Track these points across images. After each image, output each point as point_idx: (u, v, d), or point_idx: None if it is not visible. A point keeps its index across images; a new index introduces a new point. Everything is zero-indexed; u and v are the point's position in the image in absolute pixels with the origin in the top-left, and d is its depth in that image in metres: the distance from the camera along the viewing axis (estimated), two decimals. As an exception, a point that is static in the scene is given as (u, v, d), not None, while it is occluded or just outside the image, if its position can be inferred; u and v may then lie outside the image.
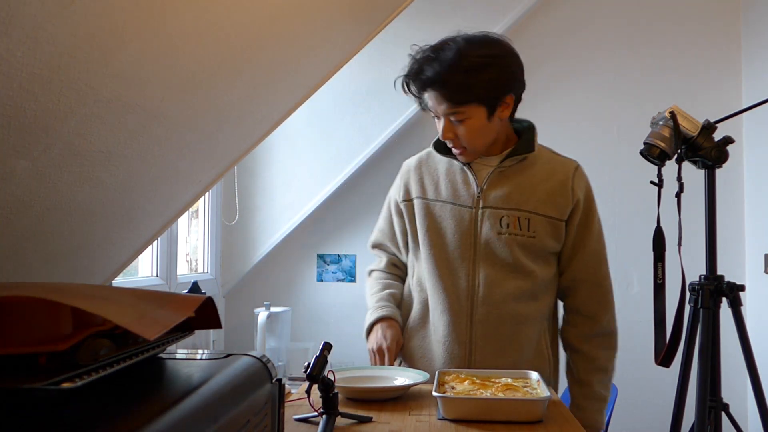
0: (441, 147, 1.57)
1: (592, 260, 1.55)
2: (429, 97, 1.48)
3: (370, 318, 1.61)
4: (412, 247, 1.62)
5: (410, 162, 1.65)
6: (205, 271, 3.03)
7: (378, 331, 1.57)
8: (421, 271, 1.59)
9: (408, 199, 1.61)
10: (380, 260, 1.73)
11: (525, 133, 1.57)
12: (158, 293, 0.74)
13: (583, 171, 1.60)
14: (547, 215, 1.50)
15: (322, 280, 3.16)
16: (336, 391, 1.08)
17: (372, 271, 1.74)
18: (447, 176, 1.57)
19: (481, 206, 1.52)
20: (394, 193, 1.66)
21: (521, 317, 1.52)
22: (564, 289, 1.59)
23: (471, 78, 1.42)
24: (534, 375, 1.32)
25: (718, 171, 1.71)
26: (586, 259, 1.55)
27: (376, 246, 1.74)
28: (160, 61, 0.94)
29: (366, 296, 1.72)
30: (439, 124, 1.50)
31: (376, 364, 1.55)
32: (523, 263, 1.50)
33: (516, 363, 1.51)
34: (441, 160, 1.60)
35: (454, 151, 1.53)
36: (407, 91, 1.51)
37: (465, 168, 1.55)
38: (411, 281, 1.64)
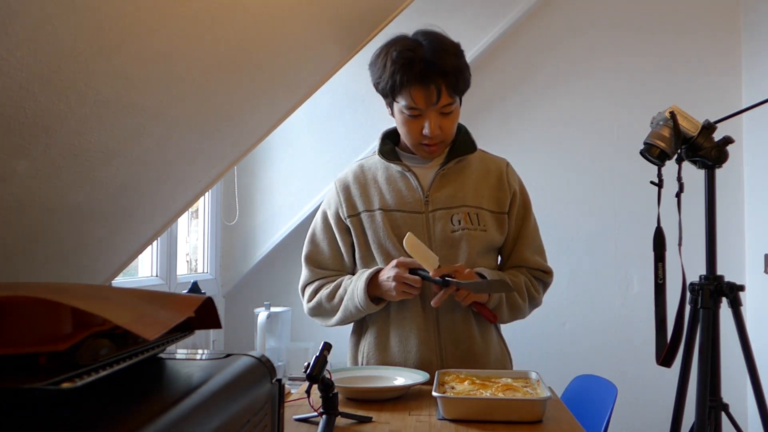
0: (387, 153, 1.58)
1: (532, 249, 1.62)
2: (425, 93, 1.44)
3: (362, 281, 1.48)
4: (360, 263, 1.58)
5: (345, 178, 1.61)
6: (205, 271, 3.03)
7: (384, 272, 1.47)
8: None
9: (354, 214, 1.57)
10: (316, 275, 1.63)
11: (459, 135, 1.60)
12: (158, 293, 0.74)
13: (513, 168, 1.66)
14: (491, 210, 1.56)
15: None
16: (336, 391, 1.08)
17: (310, 283, 1.62)
18: (389, 185, 1.56)
19: (430, 209, 1.53)
20: (335, 210, 1.60)
21: (482, 316, 1.54)
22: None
23: (468, 71, 1.51)
24: (534, 375, 1.33)
25: (718, 171, 1.71)
26: (526, 249, 1.61)
27: (313, 263, 1.63)
28: (160, 61, 0.94)
29: (326, 304, 1.57)
30: (422, 122, 1.48)
31: (408, 289, 1.44)
32: (472, 257, 1.53)
33: (485, 364, 1.54)
34: (377, 170, 1.60)
35: (426, 149, 1.53)
36: (397, 86, 1.45)
37: (407, 173, 1.55)
38: None
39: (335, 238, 1.61)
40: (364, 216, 1.56)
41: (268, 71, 1.29)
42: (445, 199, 1.54)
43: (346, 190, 1.60)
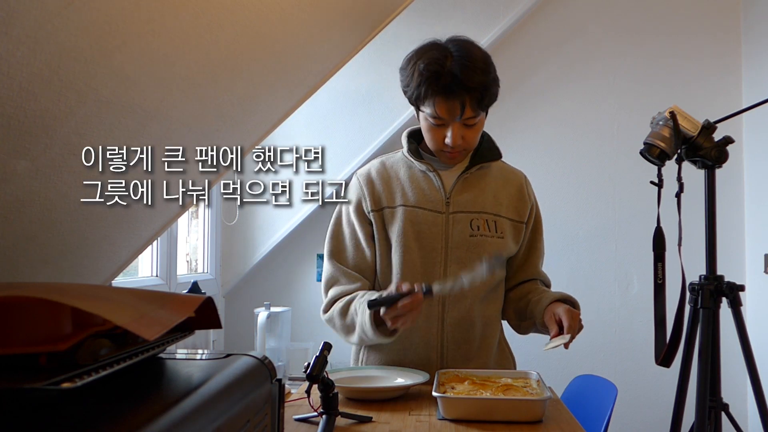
0: (412, 152, 1.58)
1: (541, 262, 1.66)
2: (449, 107, 1.43)
3: (367, 323, 1.40)
4: (379, 260, 1.57)
5: (367, 173, 1.61)
6: (205, 271, 3.03)
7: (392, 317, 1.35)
8: (386, 278, 1.55)
9: (377, 209, 1.56)
10: (339, 271, 1.58)
11: (484, 142, 1.62)
12: (158, 293, 0.74)
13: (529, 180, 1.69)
14: (510, 218, 1.58)
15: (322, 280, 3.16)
16: (336, 391, 1.08)
17: (333, 285, 1.57)
18: (411, 182, 1.57)
19: (450, 211, 1.54)
20: (357, 204, 1.57)
21: (486, 319, 1.55)
22: (515, 293, 1.63)
23: (495, 85, 1.48)
24: (534, 375, 1.33)
25: (718, 171, 1.71)
26: (539, 262, 1.65)
27: (336, 258, 1.59)
28: (160, 61, 0.94)
29: (338, 321, 1.51)
30: (445, 131, 1.47)
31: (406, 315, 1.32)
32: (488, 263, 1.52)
33: (485, 364, 1.54)
34: (400, 168, 1.59)
35: (447, 155, 1.52)
36: (423, 97, 1.45)
37: (431, 174, 1.56)
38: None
39: (356, 231, 1.58)
40: (386, 212, 1.56)
41: (268, 71, 1.29)
42: (466, 202, 1.54)
43: (369, 184, 1.58)
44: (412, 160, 1.57)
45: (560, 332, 1.37)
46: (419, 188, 1.56)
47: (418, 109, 1.53)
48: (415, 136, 1.64)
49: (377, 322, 1.39)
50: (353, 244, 1.59)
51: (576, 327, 1.39)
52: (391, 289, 1.35)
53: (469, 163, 1.59)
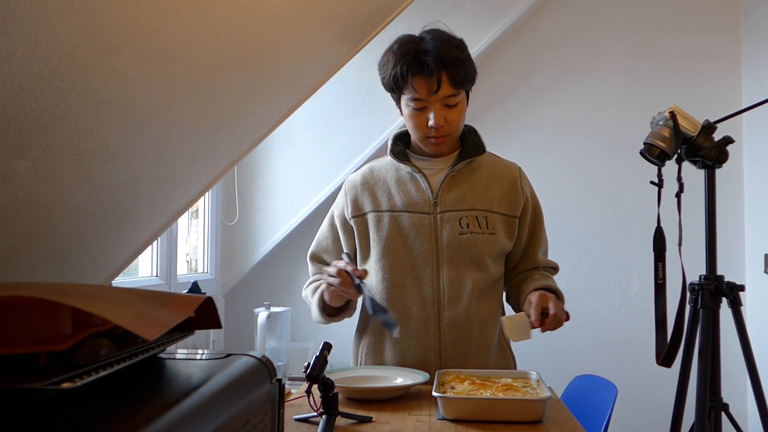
0: (397, 154, 1.59)
1: (543, 254, 1.65)
2: (426, 83, 1.46)
3: (316, 294, 1.54)
4: (360, 264, 1.60)
5: (354, 179, 1.64)
6: (205, 271, 3.03)
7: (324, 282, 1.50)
8: (373, 284, 1.56)
9: (359, 215, 1.59)
10: (318, 270, 1.68)
11: (469, 137, 1.62)
12: (158, 293, 0.74)
13: (525, 173, 1.67)
14: (502, 213, 1.57)
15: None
16: (336, 391, 1.08)
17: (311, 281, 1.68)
18: (398, 186, 1.58)
19: (438, 211, 1.54)
20: (341, 211, 1.63)
21: (485, 318, 1.55)
22: (514, 282, 1.64)
23: (471, 65, 1.51)
24: (534, 375, 1.33)
25: (718, 171, 1.71)
26: (538, 252, 1.63)
27: (316, 260, 1.69)
28: (160, 61, 0.94)
29: (310, 299, 1.62)
30: (427, 114, 1.49)
31: (337, 287, 1.42)
32: (481, 259, 1.53)
33: (485, 364, 1.54)
34: (388, 172, 1.61)
35: (433, 141, 1.53)
36: (400, 78, 1.48)
37: (417, 175, 1.56)
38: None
39: (339, 238, 1.64)
40: (370, 216, 1.58)
41: (268, 71, 1.29)
42: (454, 201, 1.54)
43: (353, 191, 1.62)
44: (398, 162, 1.58)
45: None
46: (406, 191, 1.56)
47: (399, 100, 1.55)
48: (402, 139, 1.64)
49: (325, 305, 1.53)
50: (335, 249, 1.66)
51: (543, 304, 1.39)
52: (349, 266, 1.40)
53: (455, 161, 1.58)
